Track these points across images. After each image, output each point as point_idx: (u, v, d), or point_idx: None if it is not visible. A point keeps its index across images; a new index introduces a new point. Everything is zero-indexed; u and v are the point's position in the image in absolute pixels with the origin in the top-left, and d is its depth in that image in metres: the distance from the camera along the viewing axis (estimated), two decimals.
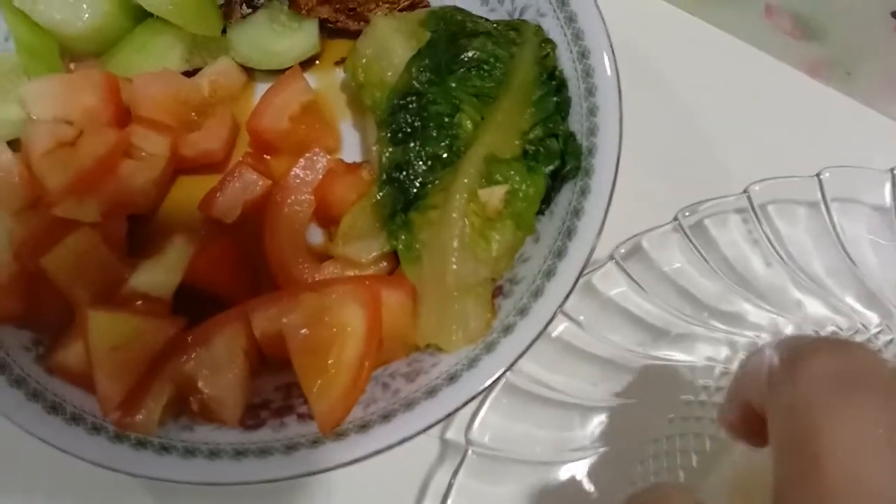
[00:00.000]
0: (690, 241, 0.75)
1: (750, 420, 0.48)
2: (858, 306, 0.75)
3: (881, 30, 0.83)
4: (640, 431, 0.72)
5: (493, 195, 0.68)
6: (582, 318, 0.74)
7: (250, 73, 0.84)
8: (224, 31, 0.82)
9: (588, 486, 0.70)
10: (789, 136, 0.84)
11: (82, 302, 0.68)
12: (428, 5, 0.83)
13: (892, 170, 0.74)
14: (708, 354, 0.74)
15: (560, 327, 0.74)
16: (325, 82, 0.84)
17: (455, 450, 0.73)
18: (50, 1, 0.78)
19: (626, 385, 0.73)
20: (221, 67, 0.81)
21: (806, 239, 0.77)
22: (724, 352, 0.74)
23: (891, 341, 0.73)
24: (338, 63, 0.84)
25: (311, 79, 0.83)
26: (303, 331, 0.65)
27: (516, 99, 0.72)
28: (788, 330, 0.75)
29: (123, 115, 0.77)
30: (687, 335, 0.75)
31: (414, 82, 0.72)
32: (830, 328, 0.74)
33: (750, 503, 0.62)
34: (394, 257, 0.73)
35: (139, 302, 0.70)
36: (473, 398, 0.65)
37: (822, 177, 0.74)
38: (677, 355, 0.74)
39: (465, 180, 0.69)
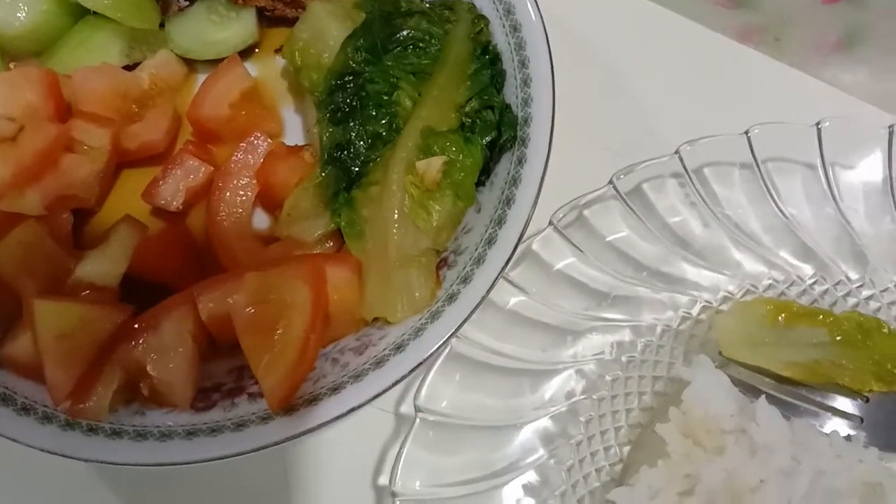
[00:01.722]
0: (629, 206, 0.76)
1: None
2: (794, 260, 0.77)
3: None
4: (587, 391, 0.73)
5: (431, 166, 0.69)
6: (531, 288, 0.75)
7: (191, 64, 0.85)
8: (162, 25, 0.83)
9: (539, 448, 0.71)
10: (722, 101, 0.86)
11: (30, 293, 0.68)
12: None
13: (817, 124, 0.76)
14: (651, 314, 0.76)
15: (510, 299, 0.75)
16: (266, 70, 0.85)
17: (409, 422, 0.74)
18: None
19: (574, 348, 0.75)
20: (161, 60, 0.82)
21: (742, 199, 0.79)
22: (666, 311, 0.76)
23: (826, 291, 0.75)
24: (277, 51, 0.85)
25: (252, 67, 0.84)
26: (248, 309, 0.66)
27: (452, 74, 0.74)
28: (729, 287, 0.77)
29: (64, 111, 0.78)
30: (631, 297, 0.76)
31: (350, 62, 0.73)
32: (766, 282, 0.76)
33: (696, 445, 0.64)
34: (340, 236, 0.73)
35: (86, 292, 0.70)
36: (419, 365, 0.66)
37: (750, 134, 0.76)
38: (622, 316, 0.75)
39: (403, 154, 0.70)
